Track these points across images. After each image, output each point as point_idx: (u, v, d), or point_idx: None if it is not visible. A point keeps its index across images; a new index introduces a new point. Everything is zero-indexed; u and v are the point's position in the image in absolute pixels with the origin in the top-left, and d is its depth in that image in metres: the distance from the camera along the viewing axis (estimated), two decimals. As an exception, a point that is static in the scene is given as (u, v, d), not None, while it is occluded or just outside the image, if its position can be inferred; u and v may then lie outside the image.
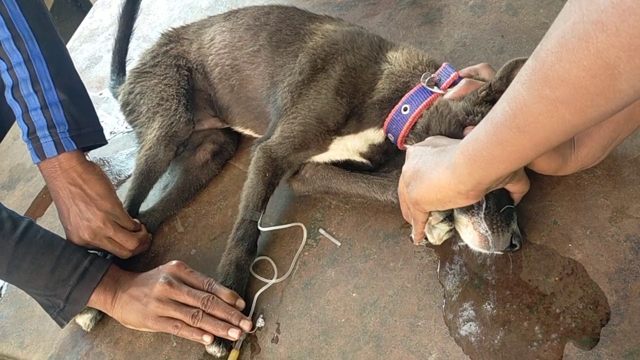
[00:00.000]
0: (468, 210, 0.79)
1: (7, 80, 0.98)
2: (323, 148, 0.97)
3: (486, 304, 0.79)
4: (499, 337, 0.76)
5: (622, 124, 0.75)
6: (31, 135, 0.98)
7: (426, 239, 0.86)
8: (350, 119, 0.94)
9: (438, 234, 0.83)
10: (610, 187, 0.82)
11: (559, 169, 0.80)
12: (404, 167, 0.78)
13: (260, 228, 0.95)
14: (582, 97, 0.48)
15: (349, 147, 0.98)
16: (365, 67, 0.94)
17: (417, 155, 0.76)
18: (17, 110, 0.98)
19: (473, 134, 0.63)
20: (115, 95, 1.33)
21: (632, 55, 0.42)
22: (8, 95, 0.98)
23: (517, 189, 0.78)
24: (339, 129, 0.95)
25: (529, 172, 0.83)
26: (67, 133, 0.98)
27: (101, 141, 1.06)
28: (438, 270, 0.85)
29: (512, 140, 0.57)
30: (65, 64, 1.04)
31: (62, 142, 0.97)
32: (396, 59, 0.94)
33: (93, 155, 1.34)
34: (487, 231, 0.77)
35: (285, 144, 0.95)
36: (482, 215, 0.77)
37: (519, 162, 0.61)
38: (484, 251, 0.80)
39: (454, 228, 0.83)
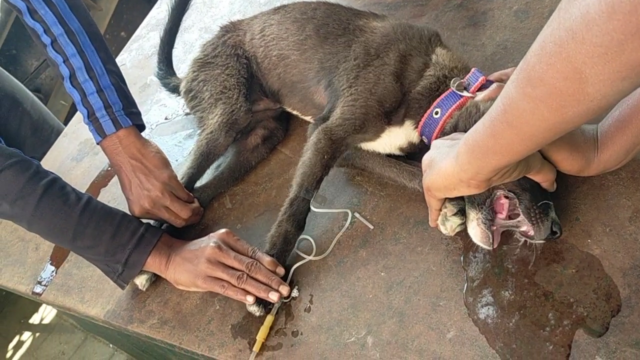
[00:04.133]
0: (477, 206, 0.85)
1: (65, 72, 1.10)
2: (377, 134, 1.02)
3: (504, 290, 0.85)
4: (514, 320, 0.81)
5: None
6: (91, 117, 1.09)
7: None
8: (400, 107, 1.00)
9: (451, 225, 0.90)
10: (633, 189, 0.86)
11: (582, 170, 0.85)
12: (424, 157, 0.85)
13: (312, 208, 1.02)
14: (557, 97, 0.53)
15: (392, 141, 1.04)
16: (416, 56, 1.00)
17: (436, 147, 0.83)
18: (76, 97, 1.10)
19: (474, 127, 0.68)
20: (166, 85, 1.44)
21: (596, 62, 0.47)
22: (67, 84, 1.10)
23: (541, 179, 0.82)
24: (391, 116, 1.00)
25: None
26: (122, 111, 1.09)
27: (143, 122, 1.16)
28: (462, 256, 0.91)
29: (503, 134, 0.63)
30: (110, 53, 1.15)
31: (118, 120, 1.09)
32: (442, 55, 1.00)
33: (153, 135, 1.46)
34: (488, 228, 0.83)
35: (346, 125, 1.00)
36: (521, 209, 0.82)
37: (510, 155, 0.66)
38: (484, 246, 0.86)
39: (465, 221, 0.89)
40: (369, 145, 1.06)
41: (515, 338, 0.80)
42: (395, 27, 1.04)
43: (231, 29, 1.29)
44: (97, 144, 1.11)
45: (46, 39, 1.09)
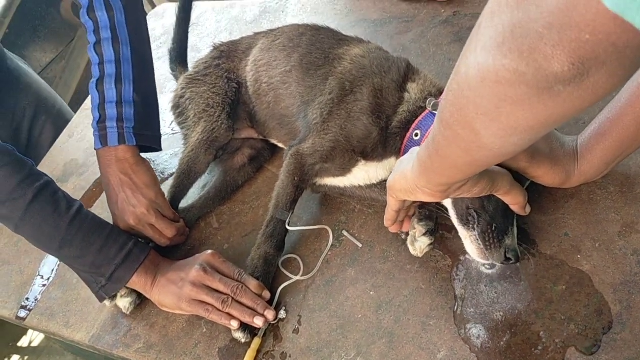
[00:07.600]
0: (466, 224, 0.85)
1: (95, 72, 1.11)
2: (348, 167, 1.02)
3: (495, 308, 0.84)
4: (505, 339, 0.80)
5: (628, 142, 0.78)
6: (100, 124, 1.09)
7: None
8: (377, 145, 0.99)
9: (420, 246, 0.90)
10: (622, 204, 0.86)
11: (563, 182, 0.85)
12: (398, 160, 0.86)
13: (288, 227, 1.02)
14: (461, 141, 0.53)
15: (371, 176, 1.03)
16: (392, 90, 0.99)
17: (410, 152, 0.83)
18: (94, 99, 1.10)
19: (425, 141, 0.68)
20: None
21: (482, 120, 0.47)
22: (92, 84, 1.11)
23: (510, 201, 0.81)
24: (366, 153, 1.00)
25: (542, 186, 0.88)
26: (132, 129, 1.09)
27: (157, 146, 1.16)
28: (451, 274, 0.90)
29: (434, 158, 0.64)
30: (148, 73, 1.16)
31: (125, 136, 1.08)
32: (414, 90, 0.99)
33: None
34: (480, 245, 0.83)
35: (315, 155, 1.02)
36: (477, 232, 0.83)
37: (446, 177, 0.67)
38: (482, 261, 0.85)
39: (434, 242, 0.91)
40: (344, 181, 1.05)
41: (506, 357, 0.78)
42: (372, 59, 1.04)
43: (226, 54, 1.27)
44: (95, 149, 1.11)
45: (92, 38, 1.11)
